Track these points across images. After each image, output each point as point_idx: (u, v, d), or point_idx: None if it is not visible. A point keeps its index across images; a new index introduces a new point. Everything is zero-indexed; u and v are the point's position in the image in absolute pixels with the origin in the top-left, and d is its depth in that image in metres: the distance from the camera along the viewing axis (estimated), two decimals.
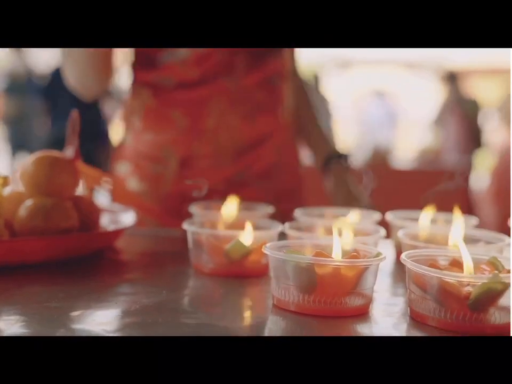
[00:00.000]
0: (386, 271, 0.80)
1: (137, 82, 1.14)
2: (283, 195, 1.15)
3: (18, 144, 4.93)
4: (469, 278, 0.57)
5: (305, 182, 1.23)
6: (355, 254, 0.63)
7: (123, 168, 1.14)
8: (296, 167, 1.22)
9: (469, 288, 0.56)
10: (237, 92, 1.10)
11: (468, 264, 0.59)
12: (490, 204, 3.18)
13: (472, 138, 4.11)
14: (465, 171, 3.27)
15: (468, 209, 2.88)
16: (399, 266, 0.79)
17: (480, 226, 0.89)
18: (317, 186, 1.20)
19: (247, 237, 0.75)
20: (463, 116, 4.17)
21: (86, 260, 0.80)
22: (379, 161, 3.63)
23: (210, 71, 1.07)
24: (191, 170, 1.09)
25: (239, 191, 0.93)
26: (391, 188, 2.76)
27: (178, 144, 1.10)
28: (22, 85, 4.73)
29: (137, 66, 1.13)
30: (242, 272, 0.75)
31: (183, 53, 1.05)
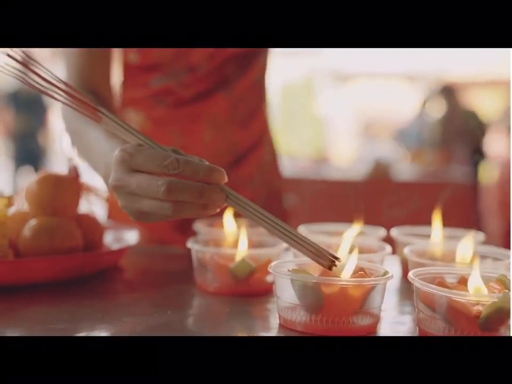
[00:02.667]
0: (392, 288, 0.79)
1: (130, 106, 1.11)
2: (273, 196, 1.16)
3: (22, 160, 4.95)
4: (479, 297, 0.56)
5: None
6: (362, 273, 0.62)
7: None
8: (279, 166, 1.23)
9: (478, 308, 0.55)
10: (231, 101, 1.10)
11: (478, 284, 0.59)
12: (494, 215, 3.17)
13: (474, 150, 4.11)
14: (470, 183, 3.27)
15: (474, 221, 2.88)
16: (406, 283, 0.78)
17: (486, 238, 0.88)
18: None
19: (251, 255, 0.75)
20: (464, 128, 4.18)
21: (90, 279, 0.79)
22: (381, 174, 3.63)
23: (206, 87, 1.07)
24: None
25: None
26: (394, 201, 2.76)
27: None
28: (28, 101, 4.75)
29: (129, 89, 1.10)
30: (247, 291, 0.74)
31: (180, 74, 1.05)
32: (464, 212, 2.80)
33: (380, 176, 3.61)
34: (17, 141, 4.93)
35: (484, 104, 5.70)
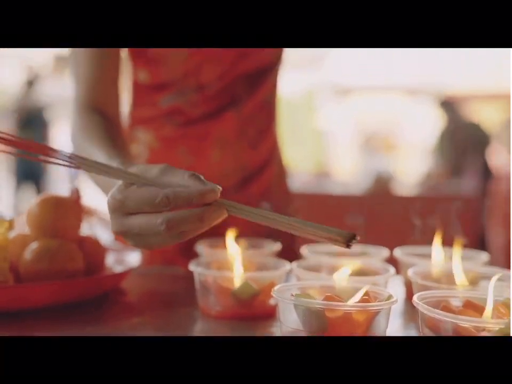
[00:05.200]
0: (396, 310, 0.78)
1: (139, 125, 1.10)
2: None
3: (23, 177, 4.95)
4: (485, 323, 0.56)
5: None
6: (366, 297, 0.62)
7: None
8: (288, 187, 1.22)
9: (484, 333, 0.55)
10: (241, 121, 1.09)
11: (487, 309, 0.58)
12: (499, 230, 3.16)
13: (476, 163, 4.11)
14: (474, 197, 3.25)
15: (479, 236, 2.85)
16: (410, 305, 0.77)
17: (491, 255, 0.88)
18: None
19: (254, 277, 0.74)
20: (466, 141, 4.17)
21: (91, 303, 0.79)
22: (381, 188, 3.63)
23: (215, 106, 1.07)
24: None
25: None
26: (396, 216, 2.75)
27: None
28: (29, 117, 4.77)
29: (138, 108, 1.10)
30: (250, 314, 0.73)
31: (189, 93, 1.05)
32: (469, 227, 2.78)
33: (381, 190, 3.60)
34: (19, 158, 4.93)
35: (485, 117, 5.71)
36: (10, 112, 4.84)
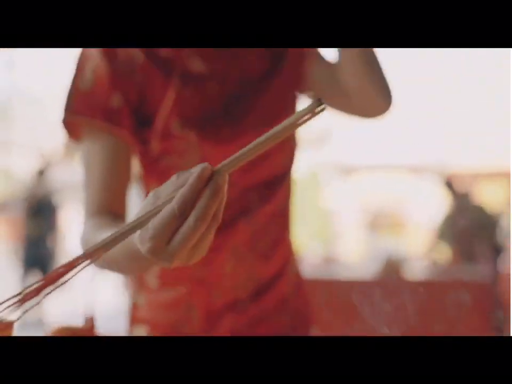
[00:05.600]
0: None
1: None
2: (298, 326, 1.13)
3: (31, 264, 4.95)
4: None
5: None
6: None
7: (140, 332, 1.10)
8: (304, 296, 1.20)
9: None
10: (253, 231, 1.08)
11: None
12: None
13: (486, 244, 4.08)
14: (488, 281, 3.19)
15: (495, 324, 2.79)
16: None
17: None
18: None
19: None
20: (474, 222, 4.16)
21: None
22: (392, 272, 3.59)
23: (226, 216, 1.06)
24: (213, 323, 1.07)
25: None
26: (409, 304, 2.70)
27: (198, 296, 1.08)
28: (42, 204, 4.82)
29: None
30: None
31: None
32: (483, 314, 2.73)
33: (391, 275, 3.56)
34: (26, 245, 4.96)
35: (489, 196, 5.74)
36: (20, 201, 4.91)
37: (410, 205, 7.61)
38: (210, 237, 0.55)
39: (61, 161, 6.59)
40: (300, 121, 0.53)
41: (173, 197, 0.53)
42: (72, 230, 6.16)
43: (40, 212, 4.83)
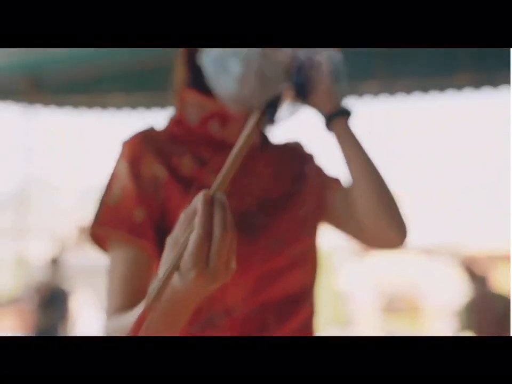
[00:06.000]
0: None
1: None
2: None
3: None
4: None
5: None
6: None
7: None
8: None
9: None
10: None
11: None
12: None
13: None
14: None
15: None
16: None
17: None
18: None
19: None
20: (494, 311, 4.04)
21: None
22: None
23: (242, 333, 0.97)
24: None
25: None
26: None
27: None
28: (55, 293, 4.80)
29: None
30: None
31: (216, 318, 0.97)
32: None
33: None
34: (37, 335, 4.89)
35: (505, 280, 5.63)
36: (33, 291, 4.87)
37: (425, 287, 7.48)
38: (235, 247, 0.60)
39: (74, 247, 6.64)
40: (253, 132, 0.61)
41: (191, 230, 0.58)
42: (84, 314, 6.10)
43: (52, 302, 4.79)
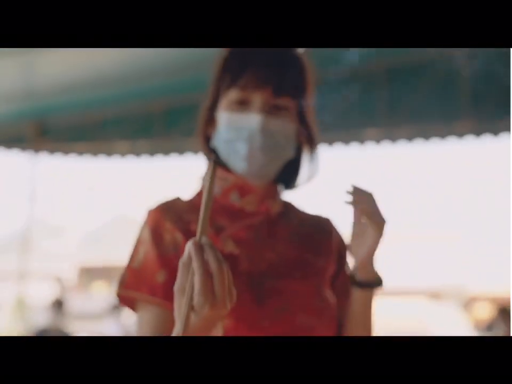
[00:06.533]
0: None
1: None
2: None
3: None
4: None
5: None
6: None
7: None
8: None
9: None
10: None
11: None
12: None
13: None
14: None
15: None
16: None
17: None
18: None
19: None
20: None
21: None
22: None
23: None
24: None
25: None
26: None
27: None
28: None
29: None
30: None
31: None
32: None
33: None
34: None
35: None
36: (34, 333, 4.83)
37: (430, 330, 7.38)
38: (231, 276, 0.67)
39: (76, 290, 6.60)
40: (212, 181, 0.69)
41: (192, 274, 0.65)
42: None
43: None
